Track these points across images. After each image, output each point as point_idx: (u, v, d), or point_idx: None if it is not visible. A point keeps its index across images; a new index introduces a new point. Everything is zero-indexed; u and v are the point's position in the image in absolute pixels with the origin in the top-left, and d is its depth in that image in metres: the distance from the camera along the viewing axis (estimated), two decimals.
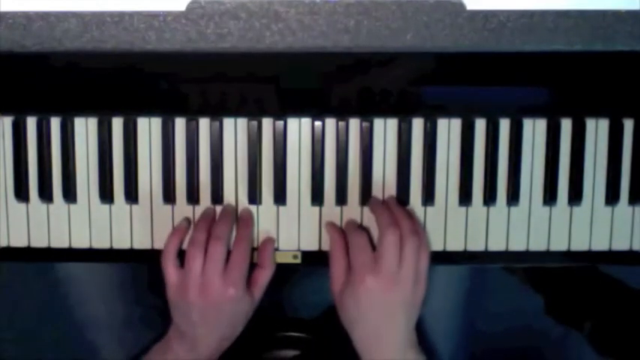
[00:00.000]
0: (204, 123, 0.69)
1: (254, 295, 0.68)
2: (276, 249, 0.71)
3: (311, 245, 0.71)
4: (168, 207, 0.70)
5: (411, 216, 0.67)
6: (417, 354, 0.66)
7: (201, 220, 0.69)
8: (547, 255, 0.70)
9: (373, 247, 0.66)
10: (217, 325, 0.67)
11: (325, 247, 0.70)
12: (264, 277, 0.69)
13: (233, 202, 0.70)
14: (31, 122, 0.70)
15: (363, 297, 0.64)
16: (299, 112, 0.69)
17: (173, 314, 0.68)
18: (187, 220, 0.70)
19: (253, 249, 0.70)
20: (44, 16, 0.64)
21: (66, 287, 0.83)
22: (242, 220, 0.69)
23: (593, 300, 0.83)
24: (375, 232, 0.68)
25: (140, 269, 0.83)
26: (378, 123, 0.69)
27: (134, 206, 0.70)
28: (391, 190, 0.70)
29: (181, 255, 0.67)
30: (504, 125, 0.69)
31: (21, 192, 0.70)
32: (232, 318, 0.67)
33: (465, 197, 0.70)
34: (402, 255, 0.64)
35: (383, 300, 0.64)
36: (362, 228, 0.69)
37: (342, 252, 0.67)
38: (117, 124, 0.70)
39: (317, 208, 0.70)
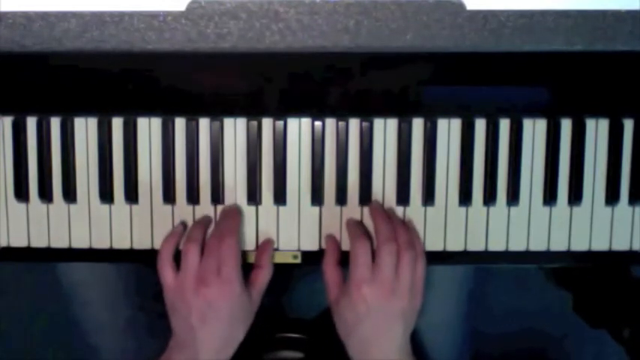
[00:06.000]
0: (204, 123, 0.69)
1: (252, 296, 0.68)
2: (276, 249, 0.71)
3: (311, 245, 0.71)
4: (168, 207, 0.70)
5: (407, 228, 0.68)
6: None
7: (197, 222, 0.69)
8: (547, 255, 0.70)
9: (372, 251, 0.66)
10: (216, 326, 0.65)
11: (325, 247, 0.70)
12: (262, 277, 0.69)
13: (233, 202, 0.70)
14: (31, 122, 0.70)
15: (359, 306, 0.65)
16: (299, 112, 0.69)
17: (172, 322, 0.67)
18: (183, 224, 0.70)
19: (250, 251, 0.70)
20: (44, 16, 0.64)
21: (68, 291, 0.83)
22: (228, 214, 0.69)
23: (630, 306, 0.81)
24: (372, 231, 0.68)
25: (142, 274, 0.82)
26: (378, 123, 0.69)
27: (134, 206, 0.70)
28: (391, 189, 0.70)
29: (177, 259, 0.67)
30: (504, 125, 0.69)
31: (21, 192, 0.70)
32: (231, 318, 0.66)
33: (465, 197, 0.70)
34: (399, 266, 0.64)
35: (379, 309, 0.65)
36: (364, 230, 0.69)
37: (334, 265, 0.68)
38: (117, 124, 0.69)
39: (317, 208, 0.70)
